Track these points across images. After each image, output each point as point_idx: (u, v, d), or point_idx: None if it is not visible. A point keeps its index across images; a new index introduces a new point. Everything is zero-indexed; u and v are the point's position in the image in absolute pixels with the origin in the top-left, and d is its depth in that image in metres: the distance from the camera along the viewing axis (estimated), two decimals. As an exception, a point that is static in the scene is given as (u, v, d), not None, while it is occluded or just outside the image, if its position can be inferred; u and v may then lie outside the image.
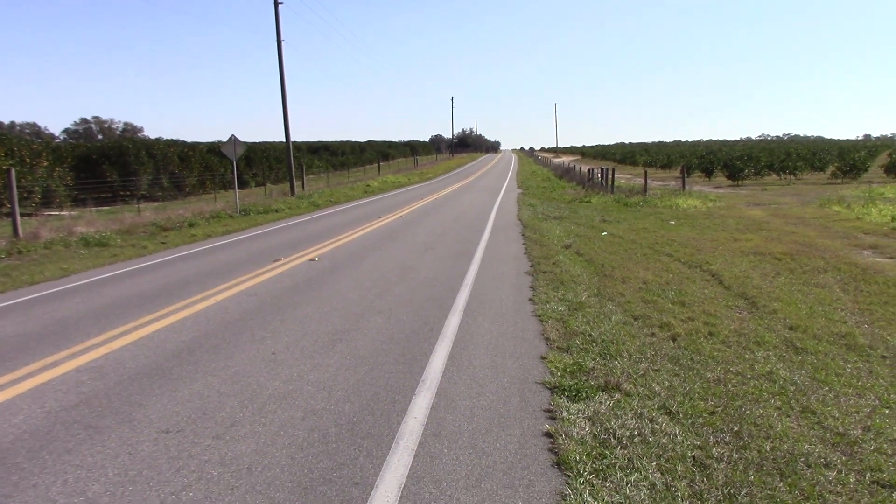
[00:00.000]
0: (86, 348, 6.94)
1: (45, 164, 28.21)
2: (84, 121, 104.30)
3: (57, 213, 26.64)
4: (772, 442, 4.41)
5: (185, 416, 5.08)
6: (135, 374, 6.08)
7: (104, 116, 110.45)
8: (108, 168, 33.10)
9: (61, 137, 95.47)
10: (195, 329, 7.66)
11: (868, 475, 3.98)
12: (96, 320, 8.20)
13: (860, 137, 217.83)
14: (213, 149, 41.39)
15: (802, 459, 4.16)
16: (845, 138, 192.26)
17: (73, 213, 26.31)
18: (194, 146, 42.48)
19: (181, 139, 46.82)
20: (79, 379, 5.98)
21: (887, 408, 4.99)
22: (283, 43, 32.07)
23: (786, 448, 4.31)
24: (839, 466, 4.08)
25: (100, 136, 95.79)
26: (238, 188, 26.93)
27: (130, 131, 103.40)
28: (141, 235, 18.06)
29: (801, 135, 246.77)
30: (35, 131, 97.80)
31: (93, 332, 7.63)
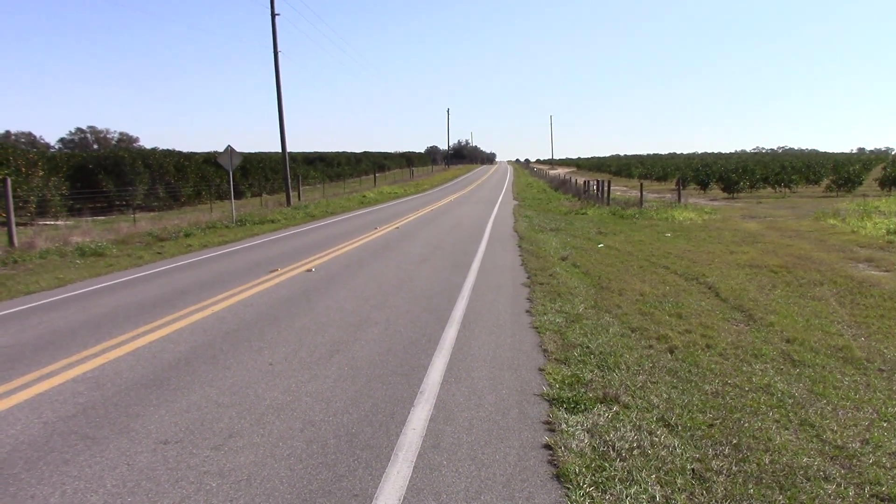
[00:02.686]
0: (82, 358, 6.91)
1: (41, 173, 28.21)
2: (80, 130, 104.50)
3: (52, 222, 26.60)
4: (771, 455, 4.42)
5: (184, 427, 5.07)
6: (132, 385, 6.06)
7: (100, 126, 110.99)
8: (104, 178, 33.10)
9: (57, 147, 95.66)
10: (192, 340, 7.64)
11: (867, 488, 3.98)
12: (93, 330, 8.18)
13: (854, 151, 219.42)
14: (210, 159, 41.49)
15: (801, 472, 4.16)
16: (840, 151, 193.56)
17: (68, 222, 26.27)
18: (190, 156, 42.60)
19: (177, 149, 47.00)
20: (76, 389, 5.96)
21: (885, 421, 5.00)
22: (279, 54, 32.19)
23: (785, 461, 4.32)
24: (838, 480, 4.08)
25: (95, 146, 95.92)
26: (234, 198, 26.90)
27: (126, 141, 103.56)
28: (137, 245, 18.04)
29: (796, 148, 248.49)
30: (30, 141, 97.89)
31: (89, 342, 7.61)
